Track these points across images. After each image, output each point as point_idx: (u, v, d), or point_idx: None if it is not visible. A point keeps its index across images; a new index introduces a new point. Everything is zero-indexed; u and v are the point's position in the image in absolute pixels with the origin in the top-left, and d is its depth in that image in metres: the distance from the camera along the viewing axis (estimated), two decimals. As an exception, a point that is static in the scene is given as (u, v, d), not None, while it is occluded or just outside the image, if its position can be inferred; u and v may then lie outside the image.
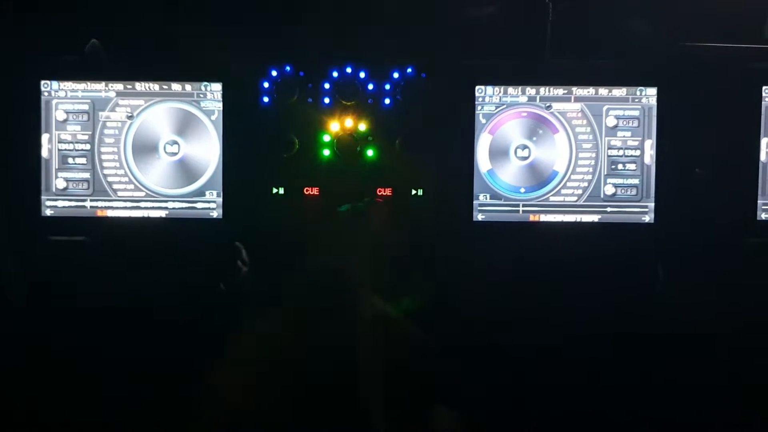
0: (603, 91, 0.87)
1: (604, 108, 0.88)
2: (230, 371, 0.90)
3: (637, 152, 0.88)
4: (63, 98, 0.88)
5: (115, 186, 0.88)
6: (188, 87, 0.88)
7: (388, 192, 0.88)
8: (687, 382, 0.91)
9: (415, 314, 0.91)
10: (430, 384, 0.90)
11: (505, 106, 0.88)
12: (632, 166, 0.88)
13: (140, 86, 0.88)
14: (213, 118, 0.88)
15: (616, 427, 0.93)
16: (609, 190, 0.88)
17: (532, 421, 0.92)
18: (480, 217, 0.88)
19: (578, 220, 0.88)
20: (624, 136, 0.88)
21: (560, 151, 0.88)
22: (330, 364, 0.90)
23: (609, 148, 0.88)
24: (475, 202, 0.88)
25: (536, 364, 0.91)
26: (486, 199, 0.88)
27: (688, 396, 0.91)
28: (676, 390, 0.91)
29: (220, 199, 0.88)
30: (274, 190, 0.89)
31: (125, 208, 0.88)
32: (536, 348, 0.91)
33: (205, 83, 0.88)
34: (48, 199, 0.88)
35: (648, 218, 0.88)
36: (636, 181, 0.88)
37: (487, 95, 0.88)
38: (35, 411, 0.90)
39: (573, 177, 0.88)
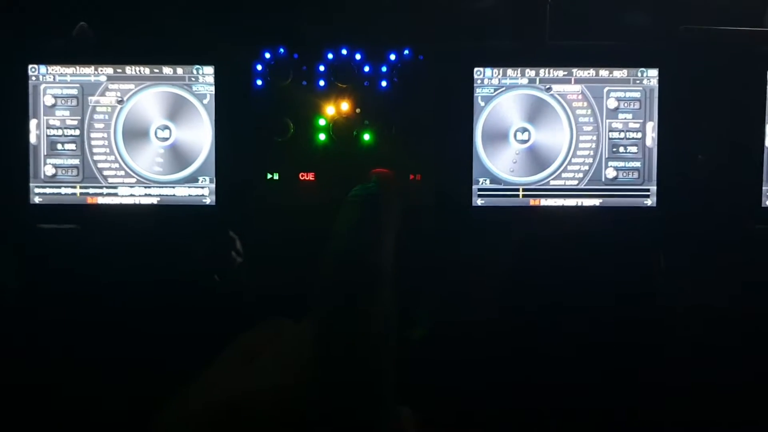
0: (604, 73, 0.86)
1: (605, 90, 0.86)
2: (225, 362, 0.89)
3: (639, 135, 0.86)
4: (51, 83, 0.85)
5: (105, 172, 0.86)
6: (180, 70, 0.86)
7: (385, 177, 0.86)
8: (689, 370, 0.90)
9: (414, 302, 0.90)
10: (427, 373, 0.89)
11: (504, 88, 0.86)
12: (634, 149, 0.86)
13: (130, 70, 0.86)
14: (205, 102, 0.86)
15: (619, 416, 0.91)
16: (610, 173, 0.86)
17: (532, 409, 0.91)
18: (479, 201, 0.87)
19: (579, 204, 0.87)
20: (625, 119, 0.86)
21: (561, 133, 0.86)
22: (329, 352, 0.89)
23: (610, 131, 0.86)
24: (474, 186, 0.86)
25: (537, 350, 0.90)
26: (485, 183, 0.86)
27: (690, 385, 0.89)
28: (678, 378, 0.90)
29: (213, 185, 0.86)
30: (269, 176, 0.86)
31: (116, 195, 0.86)
32: (537, 334, 0.90)
33: (197, 66, 0.85)
34: (37, 186, 0.86)
35: (650, 202, 0.86)
36: (638, 164, 0.86)
37: (485, 77, 0.86)
38: (25, 401, 0.88)
39: (574, 160, 0.86)
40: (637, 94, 0.86)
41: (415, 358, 0.86)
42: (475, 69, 0.86)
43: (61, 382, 0.88)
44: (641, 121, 0.86)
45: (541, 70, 0.86)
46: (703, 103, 0.87)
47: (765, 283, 0.89)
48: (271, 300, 0.89)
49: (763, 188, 0.87)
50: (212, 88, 0.86)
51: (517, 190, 0.87)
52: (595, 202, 0.87)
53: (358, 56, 0.86)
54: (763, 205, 0.87)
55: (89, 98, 0.86)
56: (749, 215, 0.88)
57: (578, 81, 0.86)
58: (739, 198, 0.87)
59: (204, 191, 0.86)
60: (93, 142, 0.86)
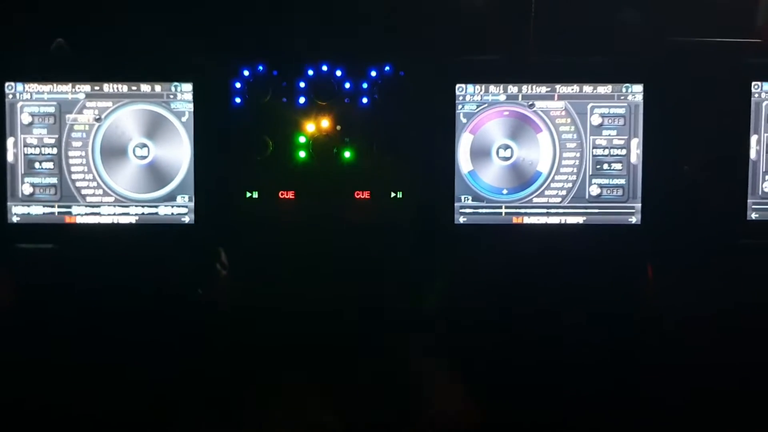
0: (587, 89, 0.85)
1: (589, 106, 0.85)
2: (208, 377, 0.89)
3: (623, 151, 0.85)
4: (28, 100, 0.84)
5: (83, 191, 0.85)
6: (158, 88, 0.85)
7: (366, 195, 0.85)
8: (675, 385, 0.89)
9: (397, 318, 0.89)
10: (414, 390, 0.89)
11: (486, 104, 0.85)
12: (618, 166, 0.85)
13: (108, 87, 0.84)
14: (183, 119, 0.85)
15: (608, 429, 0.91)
16: (594, 190, 0.85)
17: (520, 425, 0.91)
18: (461, 219, 0.86)
19: (562, 221, 0.86)
20: (609, 135, 0.85)
21: (544, 150, 0.85)
22: (307, 370, 0.88)
23: (594, 148, 0.85)
24: (456, 204, 0.85)
25: (520, 369, 0.89)
26: (468, 201, 0.86)
27: (677, 400, 0.89)
28: (664, 394, 0.89)
29: (192, 204, 0.85)
30: (248, 194, 0.86)
31: (94, 213, 0.85)
32: (520, 352, 0.89)
33: (175, 84, 0.84)
34: (14, 206, 0.85)
35: (635, 219, 0.85)
36: (622, 181, 0.85)
37: (467, 93, 0.85)
38: (8, 415, 0.88)
39: (557, 177, 0.85)
40: (622, 110, 0.85)
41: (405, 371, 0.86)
42: (457, 85, 0.85)
43: (40, 399, 0.88)
44: (626, 137, 0.85)
45: (524, 86, 0.85)
46: (687, 117, 0.86)
47: (752, 298, 0.89)
48: (251, 318, 0.89)
49: (749, 201, 0.86)
50: (191, 106, 0.85)
51: (500, 207, 0.86)
52: (579, 219, 0.86)
53: (338, 73, 0.85)
54: (748, 218, 0.86)
55: (67, 116, 0.85)
56: (734, 229, 0.87)
57: (562, 97, 0.85)
58: (724, 211, 0.87)
59: (183, 209, 0.85)
60: (71, 161, 0.85)
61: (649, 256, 0.89)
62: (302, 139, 0.85)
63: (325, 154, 0.85)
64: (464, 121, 0.85)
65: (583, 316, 0.88)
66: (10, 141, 0.85)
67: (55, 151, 0.85)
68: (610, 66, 0.85)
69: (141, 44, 0.86)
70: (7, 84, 0.84)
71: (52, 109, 0.85)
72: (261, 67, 0.85)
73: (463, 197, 0.86)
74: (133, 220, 0.85)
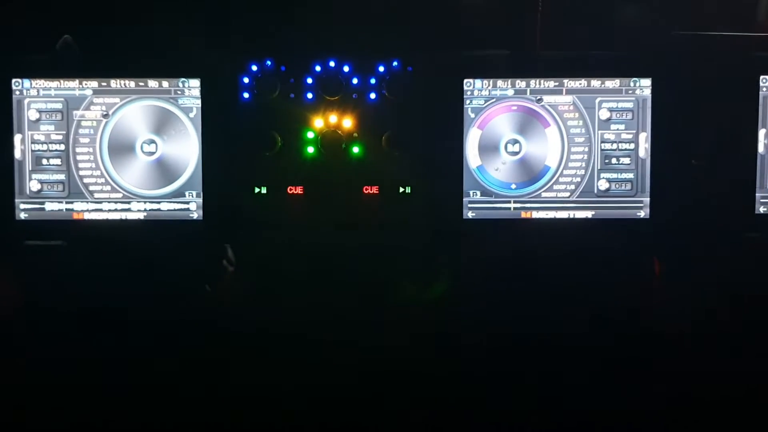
0: (595, 83, 0.85)
1: (597, 100, 0.85)
2: (215, 374, 0.89)
3: (632, 146, 0.85)
4: (35, 97, 0.84)
5: (91, 188, 0.85)
6: (165, 84, 0.84)
7: (374, 190, 0.85)
8: (684, 380, 0.89)
9: (405, 314, 0.89)
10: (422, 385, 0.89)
11: (494, 99, 0.85)
12: (626, 160, 0.85)
13: (115, 83, 0.84)
14: (191, 115, 0.85)
15: (612, 426, 0.91)
16: (603, 185, 0.85)
17: (528, 421, 0.91)
18: (470, 214, 0.86)
19: (571, 216, 0.86)
20: (618, 129, 0.85)
21: (552, 145, 0.85)
22: (312, 367, 0.88)
23: (602, 142, 0.85)
24: (464, 199, 0.85)
25: (530, 364, 0.89)
26: (476, 196, 0.86)
27: (685, 394, 0.89)
28: (672, 388, 0.89)
29: (201, 200, 0.85)
30: (257, 190, 0.85)
31: (102, 210, 0.85)
32: (530, 347, 0.89)
33: (183, 80, 0.84)
34: (22, 202, 0.85)
35: (643, 213, 0.85)
36: (630, 175, 0.85)
37: (475, 89, 0.85)
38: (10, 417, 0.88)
39: (565, 172, 0.85)
40: (630, 105, 0.85)
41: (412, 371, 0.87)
42: (465, 80, 0.84)
43: (47, 395, 0.88)
44: (634, 131, 0.85)
45: (532, 81, 0.84)
46: (696, 111, 0.86)
47: (760, 291, 0.89)
48: (258, 312, 0.89)
49: (757, 195, 0.86)
50: (199, 102, 0.84)
51: (509, 202, 0.86)
52: (588, 214, 0.86)
53: (346, 68, 0.85)
54: (756, 212, 0.86)
55: (74, 112, 0.85)
56: (743, 223, 0.87)
57: (570, 92, 0.85)
58: (732, 205, 0.87)
59: (191, 205, 0.85)
60: (78, 157, 0.85)
61: (658, 250, 0.89)
62: (310, 135, 0.85)
63: (333, 150, 0.85)
64: (472, 116, 0.85)
65: (591, 309, 0.88)
66: (17, 138, 0.84)
67: (62, 147, 0.85)
68: (617, 60, 0.85)
69: (148, 40, 0.86)
70: (14, 80, 0.84)
71: (59, 106, 0.84)
72: (269, 63, 0.85)
73: (471, 192, 0.85)
74: (141, 216, 0.85)
